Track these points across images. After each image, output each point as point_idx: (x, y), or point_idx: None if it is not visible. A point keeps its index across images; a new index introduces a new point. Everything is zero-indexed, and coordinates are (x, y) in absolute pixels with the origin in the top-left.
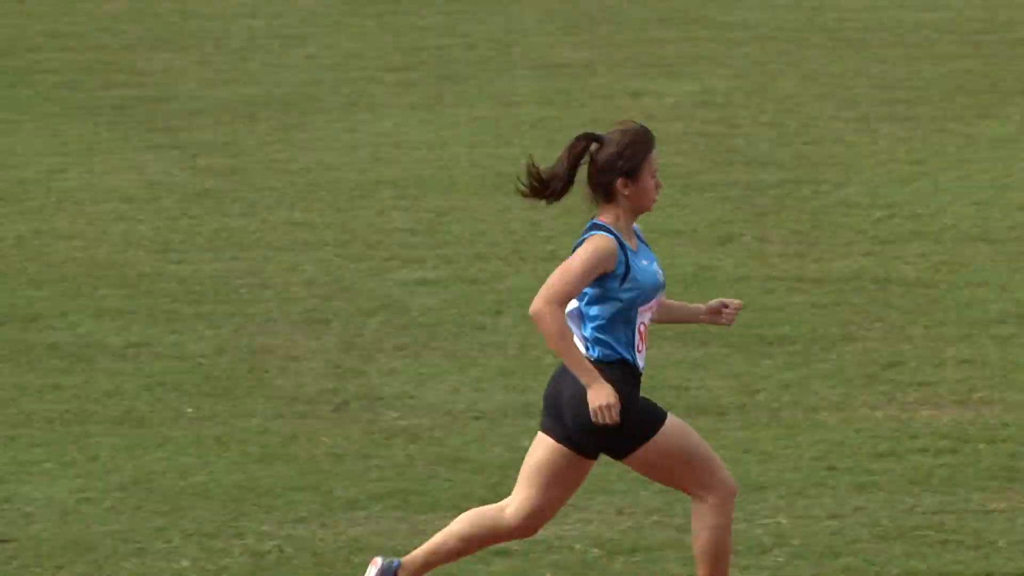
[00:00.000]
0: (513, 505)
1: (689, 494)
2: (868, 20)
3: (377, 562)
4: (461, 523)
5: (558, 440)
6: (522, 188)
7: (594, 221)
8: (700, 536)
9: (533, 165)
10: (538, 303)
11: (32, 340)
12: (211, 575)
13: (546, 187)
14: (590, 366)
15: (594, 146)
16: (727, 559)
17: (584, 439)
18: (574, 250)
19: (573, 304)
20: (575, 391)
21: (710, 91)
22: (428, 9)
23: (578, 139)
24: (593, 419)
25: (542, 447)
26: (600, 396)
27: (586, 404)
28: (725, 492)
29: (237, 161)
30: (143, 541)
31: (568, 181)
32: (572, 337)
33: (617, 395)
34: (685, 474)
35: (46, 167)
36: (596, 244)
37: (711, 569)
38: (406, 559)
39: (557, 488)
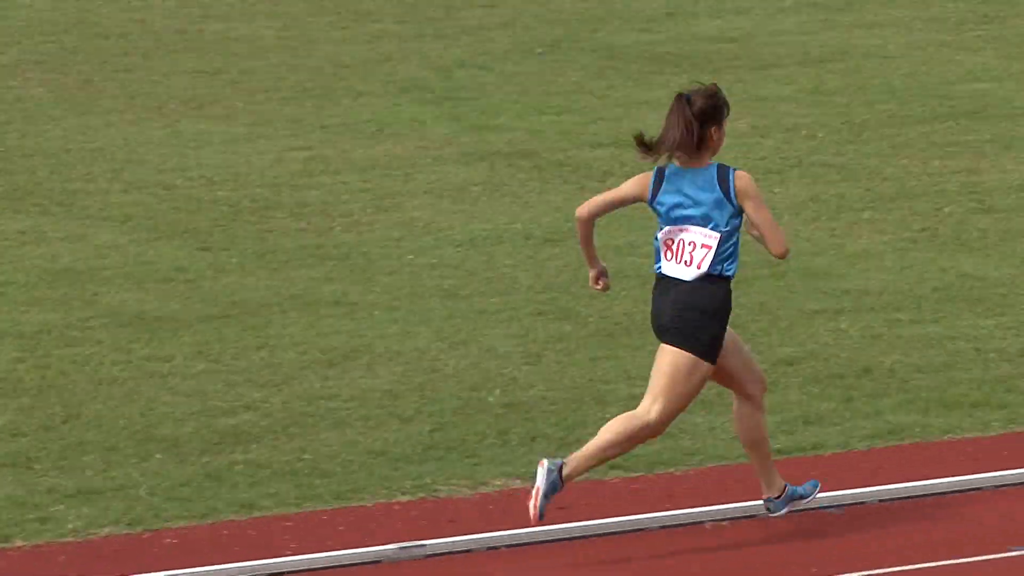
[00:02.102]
0: (651, 410)
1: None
2: None
3: (544, 463)
4: (608, 431)
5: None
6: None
7: (719, 164)
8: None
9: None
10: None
11: None
12: None
13: (661, 144)
14: None
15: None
16: (767, 443)
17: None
18: (726, 193)
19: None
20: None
21: None
22: None
23: (680, 97)
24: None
25: (667, 356)
26: None
27: (689, 316)
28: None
29: None
30: None
31: (690, 132)
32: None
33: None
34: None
35: None
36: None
37: (755, 452)
38: (567, 459)
39: (685, 389)
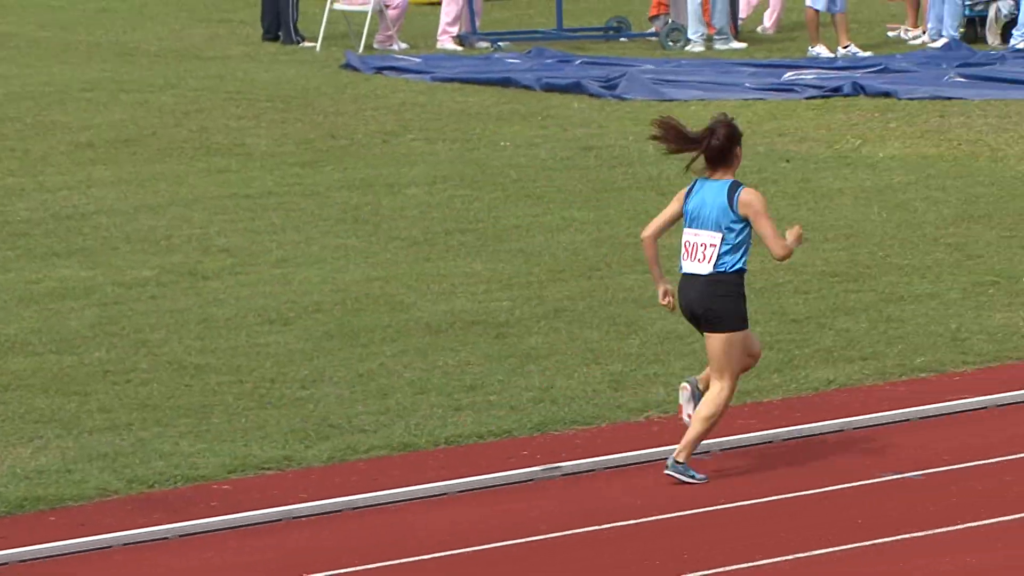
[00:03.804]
0: (723, 387)
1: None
2: None
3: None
4: (701, 419)
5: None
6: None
7: (733, 180)
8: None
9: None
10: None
11: None
12: None
13: (696, 144)
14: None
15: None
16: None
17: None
18: (730, 203)
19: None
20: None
21: None
22: None
23: (724, 117)
24: None
25: (714, 342)
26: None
27: (715, 306)
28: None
29: None
30: None
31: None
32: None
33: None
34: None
35: None
36: (756, 194)
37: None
38: (678, 449)
39: (736, 357)
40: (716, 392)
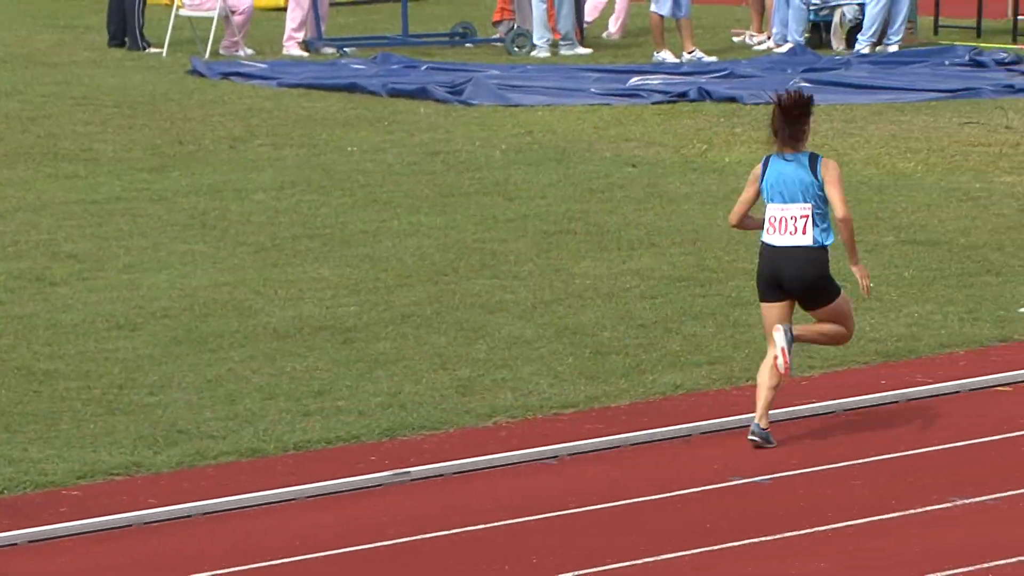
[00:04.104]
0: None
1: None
2: None
3: (780, 328)
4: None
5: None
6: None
7: (811, 152)
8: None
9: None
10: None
11: None
12: None
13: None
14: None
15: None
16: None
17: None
18: (813, 173)
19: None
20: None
21: None
22: None
23: (803, 93)
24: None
25: (823, 315)
26: None
27: (811, 281)
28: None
29: None
30: None
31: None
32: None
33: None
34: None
35: None
36: (834, 163)
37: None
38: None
39: (846, 314)
40: (841, 329)
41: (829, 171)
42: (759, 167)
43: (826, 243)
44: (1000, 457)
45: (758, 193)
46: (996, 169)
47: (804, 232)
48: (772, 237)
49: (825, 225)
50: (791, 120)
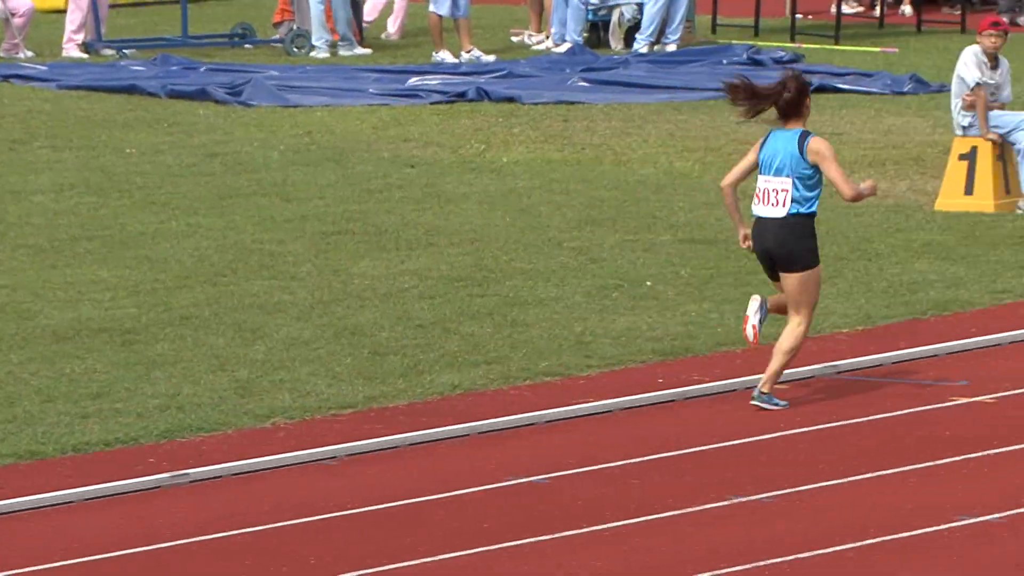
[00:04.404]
0: (800, 321)
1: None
2: None
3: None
4: (782, 351)
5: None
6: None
7: (803, 129)
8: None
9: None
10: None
11: None
12: None
13: (767, 99)
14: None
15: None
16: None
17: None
18: (800, 150)
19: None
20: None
21: None
22: None
23: (793, 70)
24: None
25: (790, 280)
26: None
27: (789, 246)
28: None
29: None
30: None
31: (800, 96)
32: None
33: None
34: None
35: None
36: (824, 142)
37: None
38: (762, 381)
39: (812, 294)
40: (795, 326)
41: (816, 152)
42: (761, 139)
43: (802, 212)
44: (777, 455)
45: (757, 161)
46: None
47: (784, 205)
48: (758, 207)
49: (809, 196)
50: (792, 97)
